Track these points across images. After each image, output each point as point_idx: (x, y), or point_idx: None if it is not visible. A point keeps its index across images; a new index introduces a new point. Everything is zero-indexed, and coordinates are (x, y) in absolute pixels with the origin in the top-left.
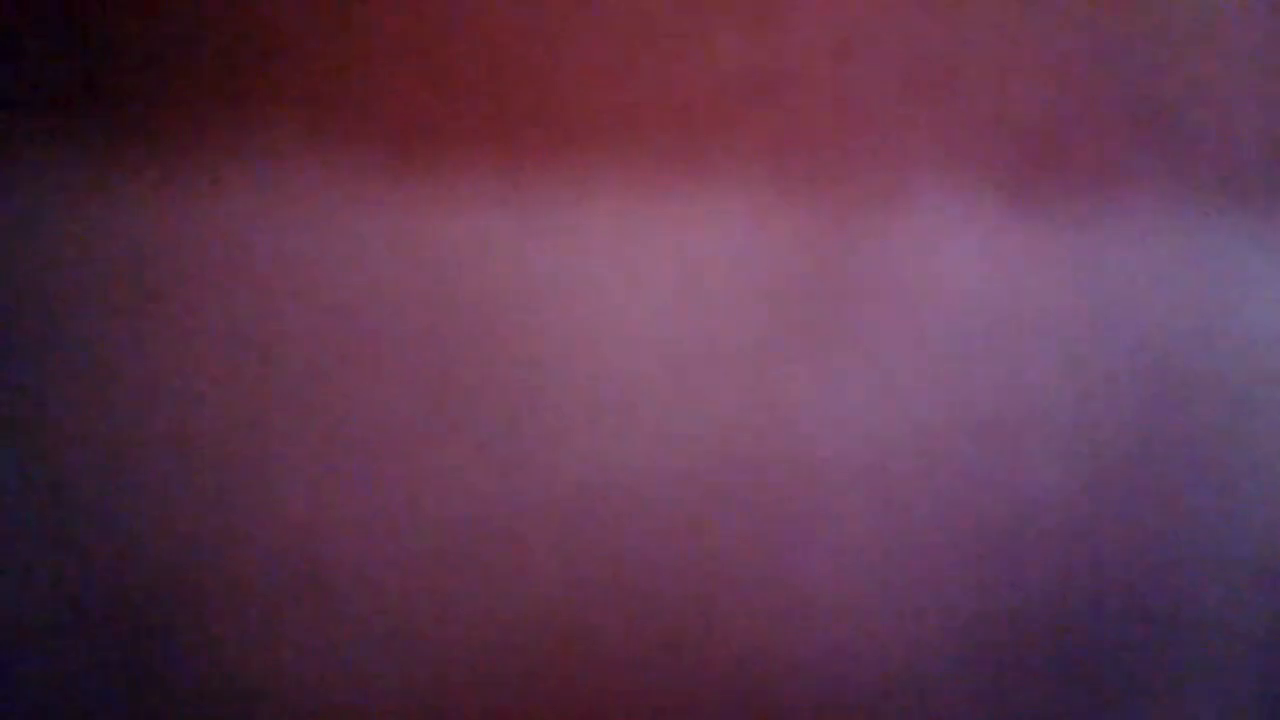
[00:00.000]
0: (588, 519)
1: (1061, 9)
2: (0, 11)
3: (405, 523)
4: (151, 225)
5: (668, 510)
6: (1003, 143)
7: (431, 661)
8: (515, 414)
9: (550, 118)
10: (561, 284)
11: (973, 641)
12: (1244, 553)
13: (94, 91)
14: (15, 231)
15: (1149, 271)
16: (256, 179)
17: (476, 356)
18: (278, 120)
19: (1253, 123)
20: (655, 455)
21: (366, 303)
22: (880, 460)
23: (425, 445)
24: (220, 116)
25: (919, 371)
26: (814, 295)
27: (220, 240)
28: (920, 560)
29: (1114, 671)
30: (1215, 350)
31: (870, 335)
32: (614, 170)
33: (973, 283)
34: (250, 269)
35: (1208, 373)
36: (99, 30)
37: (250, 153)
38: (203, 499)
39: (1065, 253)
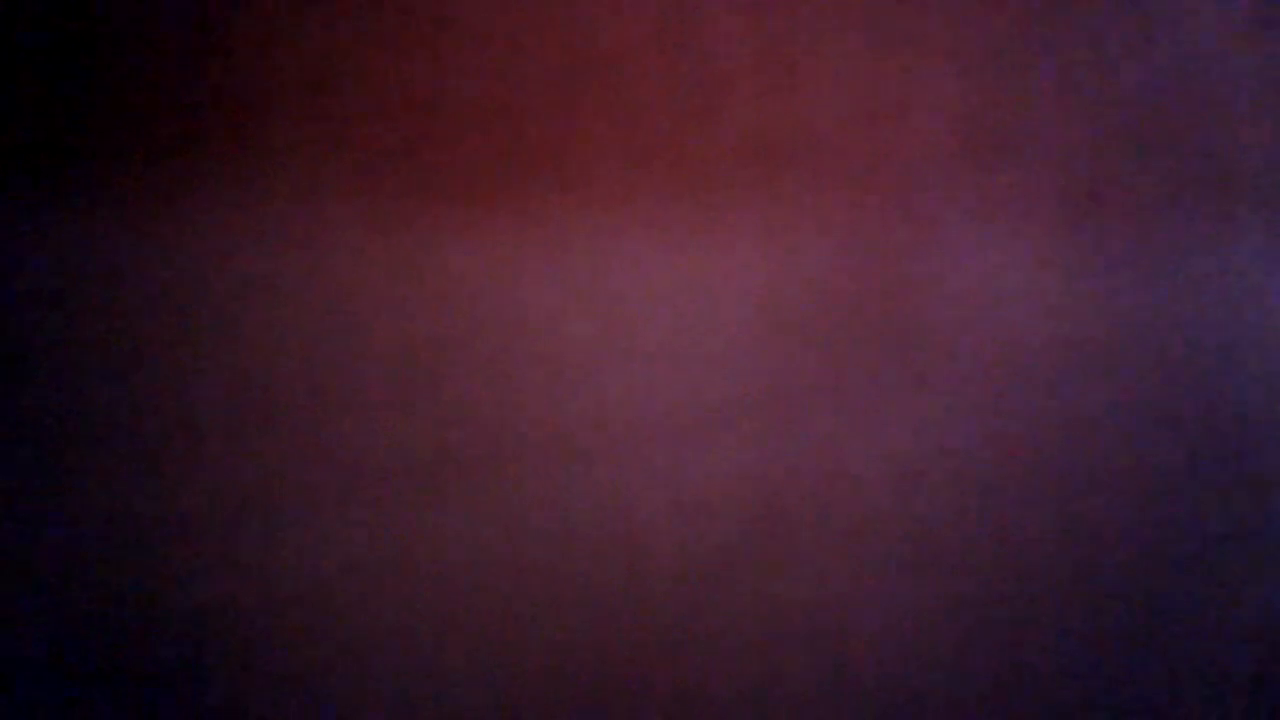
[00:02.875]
0: (602, 561)
1: (1090, 60)
2: (31, 53)
3: (412, 567)
4: (162, 261)
5: (686, 557)
6: (1040, 184)
7: (428, 702)
8: (526, 453)
9: (567, 158)
10: (577, 323)
11: (1025, 684)
12: None
13: (116, 124)
14: (33, 266)
15: (1196, 307)
16: (268, 216)
17: (482, 398)
18: (288, 158)
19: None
20: (674, 500)
21: (376, 338)
22: (922, 503)
23: (426, 486)
24: (227, 150)
25: (962, 412)
26: (848, 335)
27: (229, 276)
28: (971, 608)
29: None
30: (1271, 382)
31: (910, 377)
32: (633, 210)
33: (1016, 323)
34: (260, 306)
35: (1262, 400)
36: (121, 68)
37: (256, 187)
38: (197, 534)
39: (1108, 290)
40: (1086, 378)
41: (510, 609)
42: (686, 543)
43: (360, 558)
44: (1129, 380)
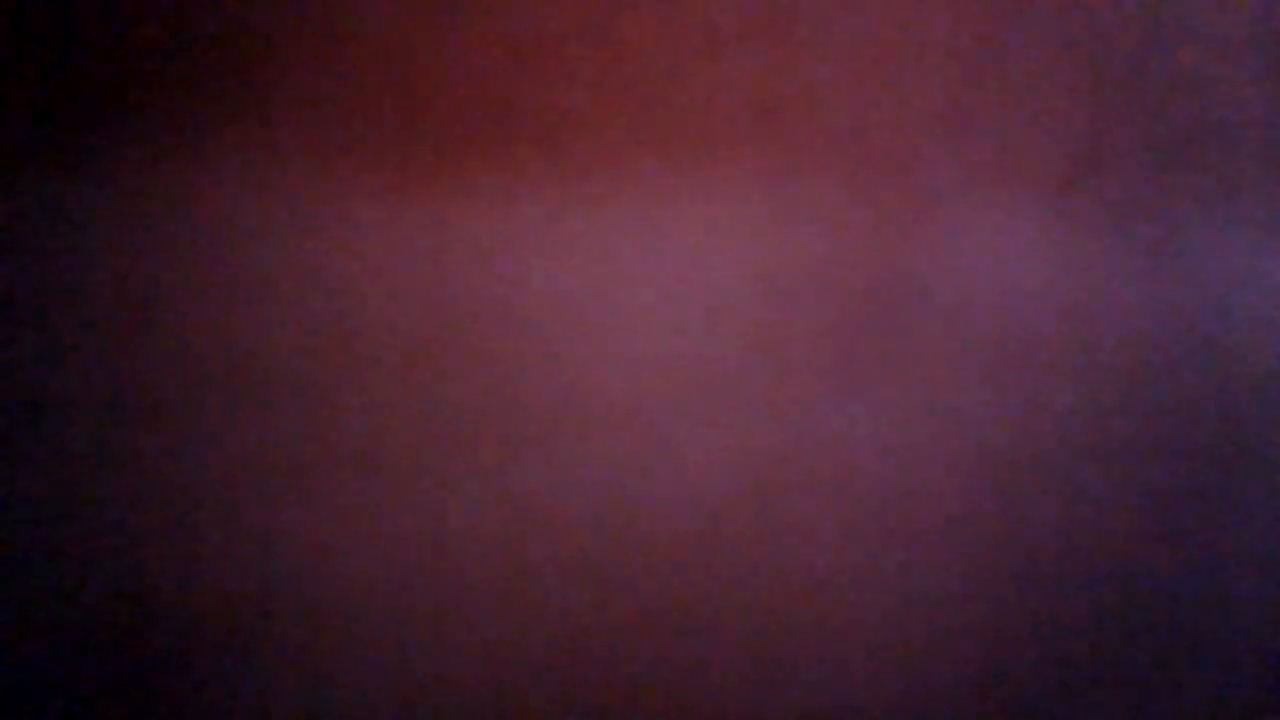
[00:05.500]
0: (596, 544)
1: (1096, 18)
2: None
3: (402, 546)
4: (146, 234)
5: (685, 538)
6: (1045, 157)
7: (429, 688)
8: (518, 434)
9: (558, 128)
10: (570, 299)
11: (1026, 669)
12: None
13: (93, 98)
14: (13, 241)
15: (1205, 284)
16: (252, 197)
17: (478, 374)
18: (278, 129)
19: None
20: (669, 478)
21: (364, 318)
22: (922, 483)
23: (423, 466)
24: (218, 123)
25: (962, 388)
26: (847, 310)
27: (216, 250)
28: (971, 594)
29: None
30: (1273, 354)
31: (907, 353)
32: (627, 181)
33: (1017, 296)
34: (245, 282)
35: (1267, 377)
36: (97, 35)
37: (248, 162)
38: (194, 521)
39: (1115, 265)
40: (1086, 350)
41: (508, 584)
42: (683, 516)
43: (356, 538)
44: (1130, 351)
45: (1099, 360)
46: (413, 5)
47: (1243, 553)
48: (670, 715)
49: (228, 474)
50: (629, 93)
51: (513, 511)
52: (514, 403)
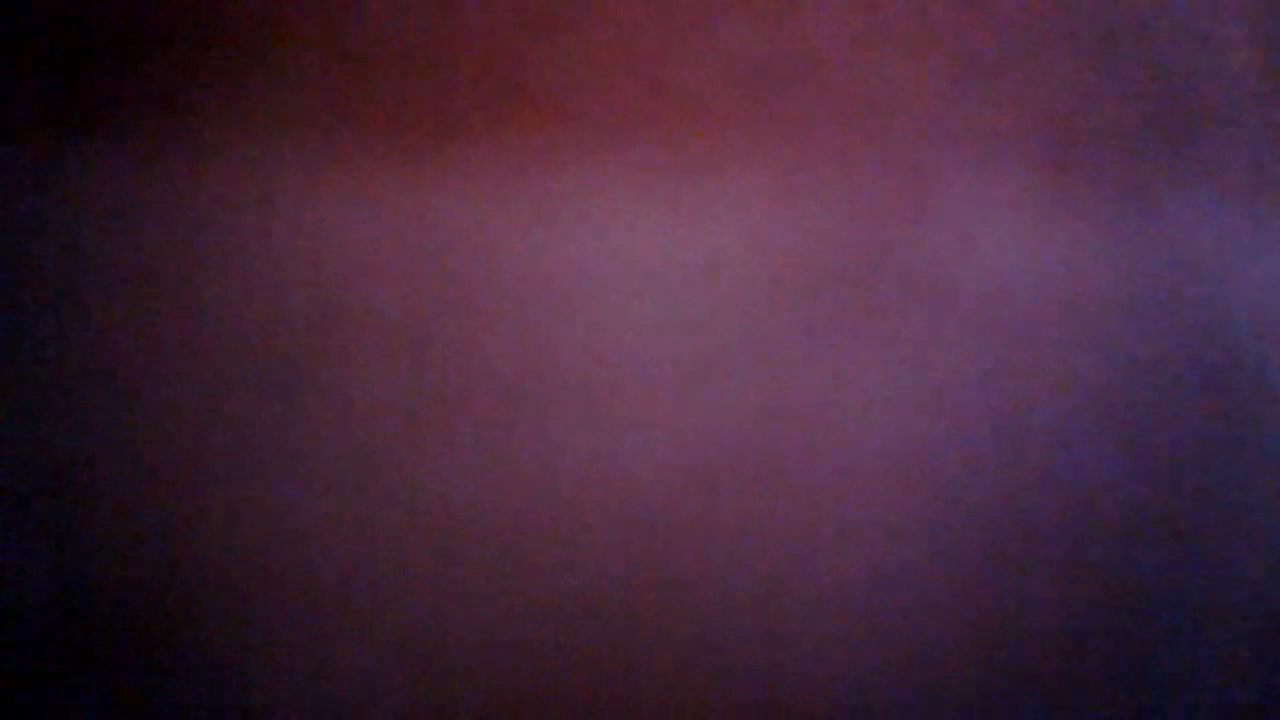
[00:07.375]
0: (591, 519)
1: None
2: None
3: (400, 524)
4: (141, 214)
5: (677, 513)
6: (1037, 130)
7: (428, 664)
8: (515, 410)
9: (556, 106)
10: (565, 276)
11: (1008, 640)
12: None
13: (87, 84)
14: (15, 229)
15: (1192, 262)
16: (250, 170)
17: (476, 352)
18: (274, 109)
19: None
20: (664, 454)
21: (361, 296)
22: (911, 459)
23: (421, 443)
24: (215, 105)
25: (951, 365)
26: (839, 287)
27: (210, 230)
28: (957, 562)
29: (1155, 671)
30: (1260, 341)
31: (899, 328)
32: (622, 159)
33: (1007, 273)
34: (240, 262)
35: (1252, 363)
36: (88, 21)
37: (244, 142)
38: (186, 499)
39: (1104, 242)
40: (1075, 328)
41: (492, 579)
42: (678, 481)
43: (340, 527)
44: (1120, 331)
45: (1088, 339)
46: None
47: (1240, 534)
48: (667, 678)
49: (224, 455)
50: (625, 53)
51: (507, 481)
52: (510, 372)
